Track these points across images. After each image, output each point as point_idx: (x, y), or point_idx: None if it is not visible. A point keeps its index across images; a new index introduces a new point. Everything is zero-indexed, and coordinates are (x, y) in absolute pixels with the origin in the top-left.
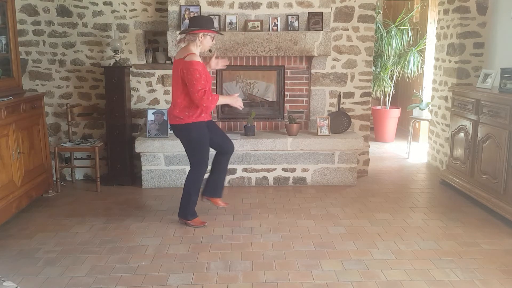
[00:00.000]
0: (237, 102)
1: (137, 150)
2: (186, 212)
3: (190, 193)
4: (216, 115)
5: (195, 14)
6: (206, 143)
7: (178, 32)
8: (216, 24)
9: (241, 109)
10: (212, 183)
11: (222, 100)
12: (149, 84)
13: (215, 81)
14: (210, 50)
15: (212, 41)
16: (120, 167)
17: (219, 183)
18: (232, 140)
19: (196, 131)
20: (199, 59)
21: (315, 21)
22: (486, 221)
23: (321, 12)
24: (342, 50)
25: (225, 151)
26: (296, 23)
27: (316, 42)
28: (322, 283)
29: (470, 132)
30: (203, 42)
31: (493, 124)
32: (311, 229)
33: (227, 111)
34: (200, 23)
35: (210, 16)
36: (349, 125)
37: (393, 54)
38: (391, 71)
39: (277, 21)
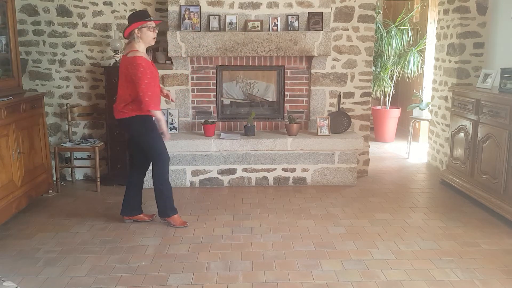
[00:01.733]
0: (164, 131)
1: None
2: (165, 209)
3: (161, 189)
4: (216, 115)
5: (195, 14)
6: (157, 134)
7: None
8: (216, 24)
9: (164, 132)
10: (129, 202)
11: (158, 114)
12: None
13: (215, 81)
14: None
15: (152, 31)
16: (120, 167)
17: (137, 201)
18: (230, 141)
19: (142, 123)
20: (143, 55)
21: (315, 21)
22: (486, 221)
23: (321, 12)
24: (342, 50)
25: (144, 164)
26: (296, 23)
27: (316, 42)
28: (322, 283)
29: (470, 132)
30: (142, 36)
31: (493, 124)
32: (311, 229)
33: (226, 111)
34: (132, 19)
35: (144, 9)
36: (349, 125)
37: (393, 54)
38: (391, 71)
39: (277, 21)
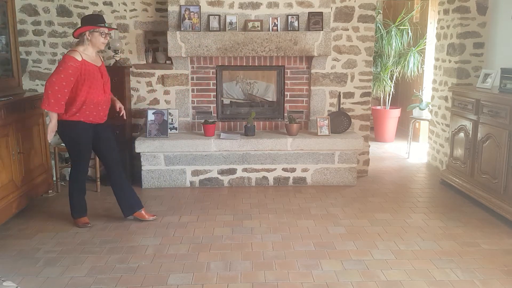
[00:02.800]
0: (49, 133)
1: (137, 150)
2: (72, 210)
3: (71, 191)
4: (216, 115)
5: (195, 14)
6: (82, 145)
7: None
8: (216, 24)
9: (48, 135)
10: (124, 202)
11: (53, 117)
12: (149, 84)
13: (215, 81)
14: (109, 48)
15: (104, 37)
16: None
17: (131, 199)
18: (230, 141)
19: (70, 130)
20: (77, 56)
21: (315, 21)
22: (486, 221)
23: (321, 12)
24: (342, 50)
25: (109, 164)
26: (296, 23)
27: (316, 42)
28: (322, 283)
29: (470, 132)
30: (92, 40)
31: (493, 124)
32: (311, 229)
33: (226, 111)
34: (86, 21)
35: (99, 14)
36: (349, 125)
37: (393, 54)
38: (391, 71)
39: (277, 21)
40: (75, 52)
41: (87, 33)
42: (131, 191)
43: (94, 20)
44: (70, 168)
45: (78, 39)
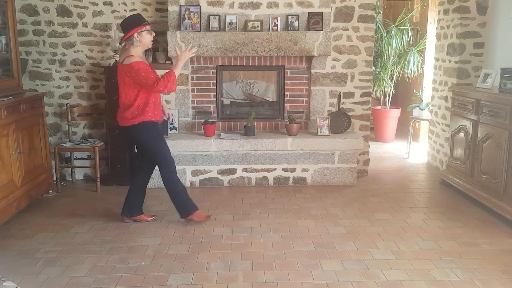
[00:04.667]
0: (187, 54)
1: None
2: (185, 208)
3: (175, 190)
4: (216, 115)
5: (195, 14)
6: (161, 140)
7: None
8: (216, 24)
9: (188, 56)
10: (130, 201)
11: (176, 69)
12: None
13: (215, 81)
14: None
15: (150, 34)
16: (120, 167)
17: (138, 201)
18: (230, 141)
19: (147, 130)
20: (138, 59)
21: (315, 21)
22: (486, 221)
23: (321, 12)
24: (342, 50)
25: (145, 163)
26: (296, 23)
27: (316, 42)
28: (322, 283)
29: (470, 132)
30: (141, 40)
31: (493, 124)
32: (311, 229)
33: (226, 111)
34: (130, 24)
35: (137, 13)
36: (349, 125)
37: (393, 54)
38: (391, 71)
39: (277, 21)
40: (132, 57)
41: (135, 34)
42: (143, 196)
43: (138, 21)
44: (161, 172)
45: (124, 44)
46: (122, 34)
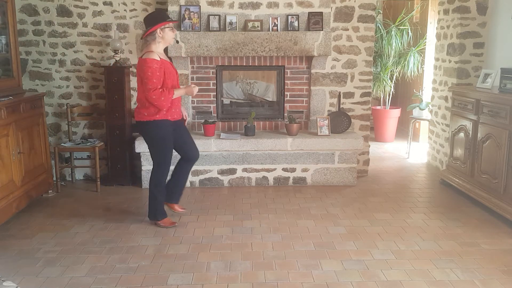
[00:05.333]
0: (192, 90)
1: (137, 150)
2: (154, 213)
3: (155, 193)
4: (216, 115)
5: (195, 14)
6: (168, 144)
7: (141, 39)
8: (216, 24)
9: (194, 94)
10: (169, 188)
11: (177, 93)
12: None
13: (215, 81)
14: (177, 41)
15: (173, 32)
16: (120, 167)
17: (177, 189)
18: (230, 141)
19: (156, 130)
20: (156, 57)
21: (315, 21)
22: (486, 221)
23: (321, 12)
24: (342, 50)
25: (188, 157)
26: (296, 23)
27: (316, 42)
28: (322, 283)
29: (470, 132)
30: (164, 37)
31: (493, 124)
32: (311, 229)
33: (226, 111)
34: (153, 20)
35: (161, 9)
36: (349, 125)
37: (393, 54)
38: (391, 71)
39: (277, 21)
40: (152, 53)
41: (158, 30)
42: (182, 187)
43: (162, 17)
44: (152, 170)
45: (146, 40)
46: (121, 34)
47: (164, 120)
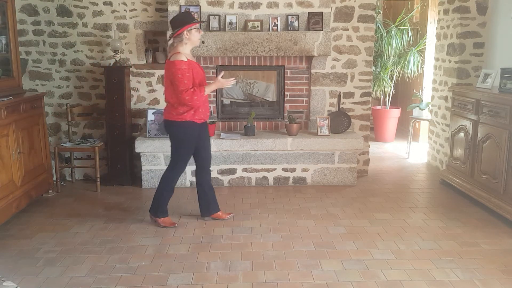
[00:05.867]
0: (224, 84)
1: (137, 150)
2: (156, 209)
3: (162, 190)
4: (216, 115)
5: (195, 14)
6: (190, 146)
7: (168, 41)
8: (216, 24)
9: (225, 85)
10: (203, 202)
11: (208, 90)
12: (149, 84)
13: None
14: (203, 42)
15: (199, 32)
16: (120, 167)
17: (209, 198)
18: (230, 141)
19: (184, 130)
20: (183, 58)
21: (315, 21)
22: (486, 221)
23: (321, 12)
24: (342, 50)
25: (201, 164)
26: (296, 23)
27: (316, 42)
28: (322, 283)
29: (470, 132)
30: (191, 38)
31: (493, 124)
32: (311, 229)
33: (226, 111)
34: (180, 21)
35: (187, 11)
36: (349, 125)
37: (393, 54)
38: (391, 71)
39: (277, 21)
40: (179, 54)
41: (185, 32)
42: (212, 194)
43: (188, 18)
44: (166, 169)
45: (174, 42)
46: (121, 34)
47: (191, 122)
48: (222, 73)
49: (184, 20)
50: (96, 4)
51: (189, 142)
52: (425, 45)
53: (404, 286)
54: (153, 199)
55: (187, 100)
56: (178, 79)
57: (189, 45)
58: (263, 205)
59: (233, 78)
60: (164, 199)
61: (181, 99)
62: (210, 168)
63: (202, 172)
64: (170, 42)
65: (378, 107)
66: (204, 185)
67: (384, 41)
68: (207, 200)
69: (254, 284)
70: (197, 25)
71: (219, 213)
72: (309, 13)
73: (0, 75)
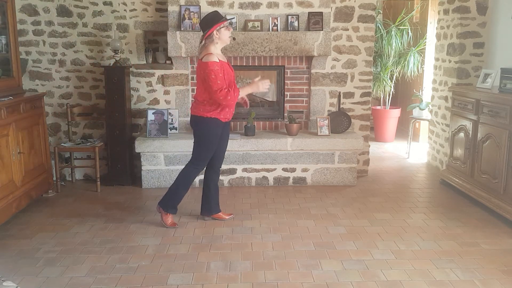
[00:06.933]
0: (260, 87)
1: (137, 150)
2: (167, 203)
3: (179, 185)
4: None
5: (195, 14)
6: (212, 143)
7: (200, 43)
8: None
9: (261, 89)
10: (206, 201)
11: (243, 92)
12: (149, 84)
13: None
14: (234, 38)
15: (228, 30)
16: (120, 167)
17: (213, 200)
18: (231, 141)
19: (208, 127)
20: (215, 59)
21: (315, 21)
22: (486, 221)
23: (321, 12)
24: (342, 50)
25: (213, 163)
26: (296, 23)
27: (316, 42)
28: (322, 283)
29: (470, 132)
30: (221, 37)
31: (493, 124)
32: (311, 229)
33: None
34: (209, 22)
35: (215, 10)
36: (349, 125)
37: (393, 54)
38: (391, 71)
39: (277, 21)
40: (211, 55)
41: (214, 32)
42: (217, 194)
43: (217, 18)
44: (187, 164)
45: (204, 42)
46: (121, 34)
47: (216, 119)
48: (259, 76)
49: (212, 20)
50: (96, 4)
51: (211, 139)
52: (425, 45)
53: (404, 286)
54: (166, 192)
55: (221, 100)
56: (212, 79)
57: (220, 44)
58: (263, 205)
59: (268, 80)
60: (178, 196)
61: (215, 98)
62: (220, 169)
63: (211, 171)
64: (202, 44)
65: (378, 107)
66: (211, 184)
67: (384, 41)
68: (210, 200)
69: (254, 284)
70: (226, 23)
71: (220, 213)
72: (309, 13)
73: (0, 75)
